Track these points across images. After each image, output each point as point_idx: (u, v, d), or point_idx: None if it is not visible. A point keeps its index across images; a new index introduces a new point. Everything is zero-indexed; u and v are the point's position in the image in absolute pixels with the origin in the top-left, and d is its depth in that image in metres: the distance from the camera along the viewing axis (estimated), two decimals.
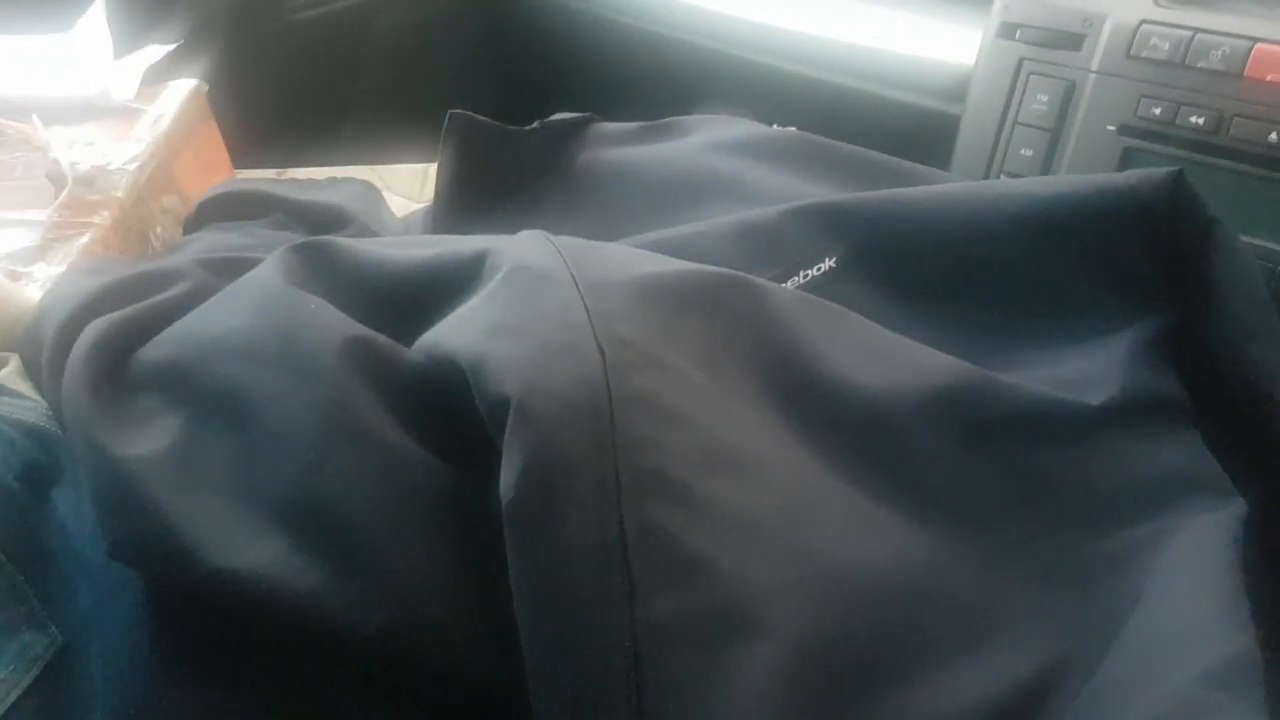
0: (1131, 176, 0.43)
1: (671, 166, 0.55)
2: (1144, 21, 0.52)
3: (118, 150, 0.58)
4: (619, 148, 0.58)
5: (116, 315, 0.39)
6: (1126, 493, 0.38)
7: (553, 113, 0.61)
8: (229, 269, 0.43)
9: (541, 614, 0.29)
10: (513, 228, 0.42)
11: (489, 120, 0.55)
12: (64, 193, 0.54)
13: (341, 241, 0.40)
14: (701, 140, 0.57)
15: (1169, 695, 0.30)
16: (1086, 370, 0.41)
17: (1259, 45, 0.49)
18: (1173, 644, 0.32)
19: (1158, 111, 0.51)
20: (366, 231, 0.54)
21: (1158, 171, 0.42)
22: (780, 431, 0.36)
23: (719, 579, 0.30)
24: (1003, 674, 0.33)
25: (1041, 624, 0.35)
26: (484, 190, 0.56)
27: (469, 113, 0.55)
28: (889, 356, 0.40)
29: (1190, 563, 0.35)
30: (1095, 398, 0.40)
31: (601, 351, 0.32)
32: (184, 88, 0.65)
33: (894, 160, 0.54)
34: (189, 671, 0.32)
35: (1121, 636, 0.34)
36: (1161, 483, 0.38)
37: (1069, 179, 0.47)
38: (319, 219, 0.54)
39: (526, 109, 0.61)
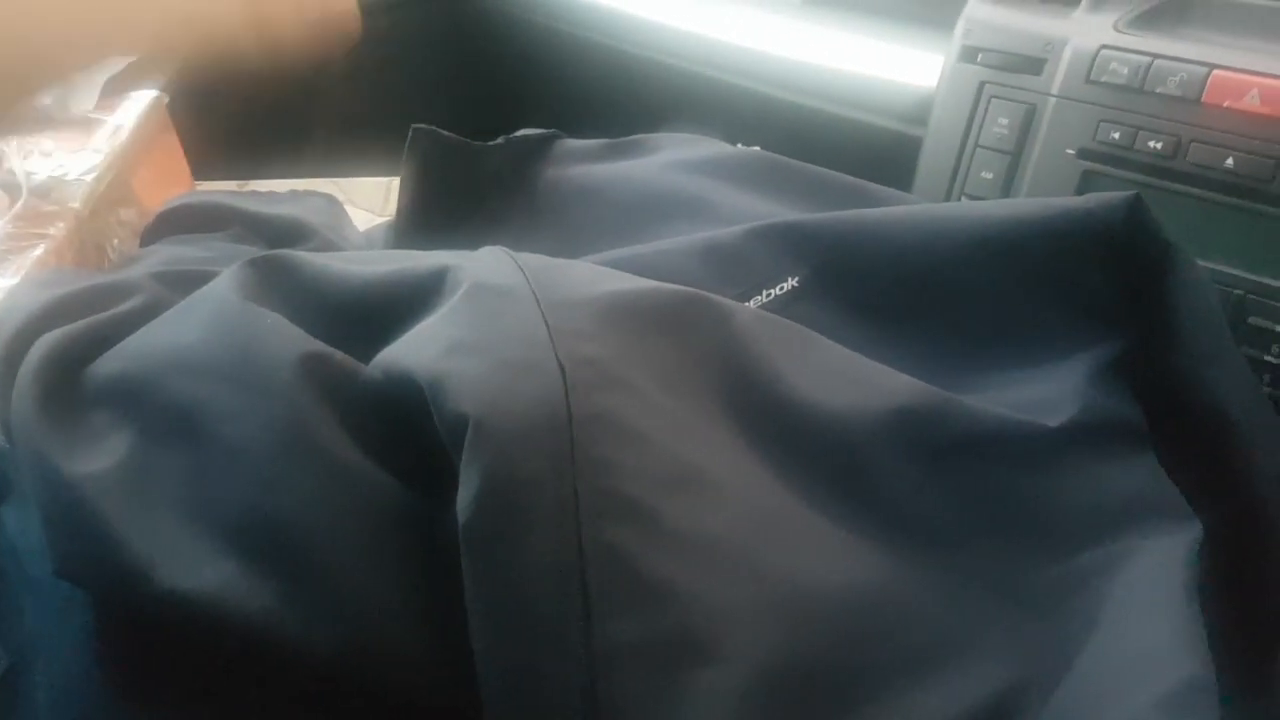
0: (1090, 200, 0.43)
1: (635, 184, 0.55)
2: (1104, 47, 0.53)
3: (75, 161, 0.57)
4: (583, 165, 0.58)
5: (68, 329, 0.38)
6: (1084, 515, 0.38)
7: (518, 129, 0.61)
8: (185, 283, 0.43)
9: (497, 636, 0.28)
10: (475, 243, 0.41)
11: (453, 135, 0.55)
12: (19, 203, 0.54)
13: (299, 256, 0.40)
14: (666, 159, 0.57)
15: (1124, 719, 0.30)
16: (1045, 392, 0.41)
17: (1216, 72, 0.49)
18: (1129, 668, 0.32)
19: (1116, 136, 0.52)
20: (328, 245, 0.53)
21: (1116, 195, 0.42)
22: (742, 453, 0.36)
23: (678, 602, 0.30)
24: (962, 696, 0.33)
25: (1001, 646, 0.35)
26: (447, 206, 0.55)
27: (432, 127, 0.54)
28: (850, 377, 0.40)
29: (1147, 587, 0.35)
30: (1053, 420, 0.40)
31: (562, 370, 0.32)
32: (144, 99, 0.64)
33: (857, 181, 0.55)
34: (137, 695, 0.31)
35: (1078, 660, 0.34)
36: (1119, 505, 0.38)
37: (1029, 201, 0.47)
38: (279, 232, 0.53)
39: (491, 125, 0.61)
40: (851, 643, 0.33)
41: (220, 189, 0.77)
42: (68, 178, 0.56)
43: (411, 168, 0.55)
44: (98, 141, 0.60)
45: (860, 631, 0.33)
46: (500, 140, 0.57)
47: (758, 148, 0.71)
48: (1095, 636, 0.34)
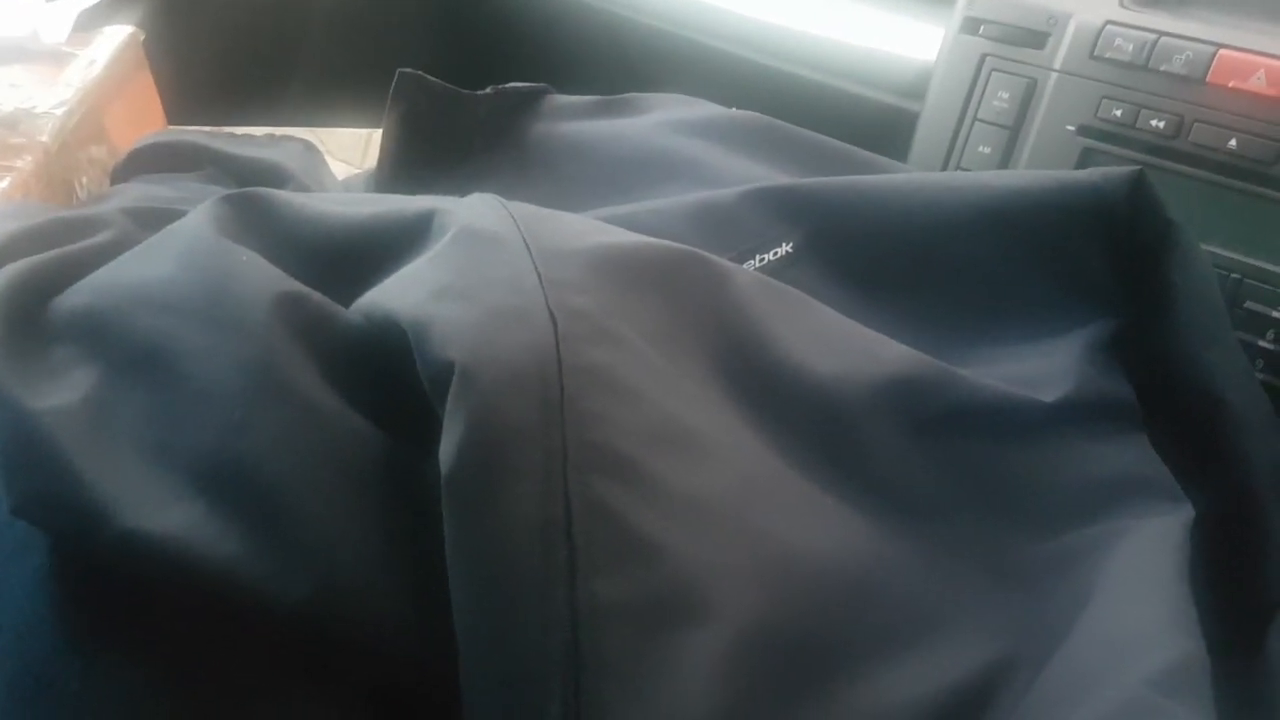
0: (1094, 174, 0.42)
1: (628, 143, 0.54)
2: (1109, 22, 0.52)
3: (45, 94, 0.55)
4: (574, 121, 0.56)
5: (33, 260, 0.36)
6: (1076, 492, 0.38)
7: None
8: (157, 220, 0.41)
9: (477, 590, 0.27)
10: (460, 193, 0.40)
11: (440, 82, 0.53)
12: None
13: (279, 194, 0.38)
14: (660, 118, 0.56)
15: (1116, 697, 0.30)
16: (1040, 367, 0.41)
17: (1222, 51, 0.48)
18: (1120, 646, 0.32)
19: (1118, 113, 0.51)
20: (304, 191, 0.52)
21: (1119, 170, 0.42)
22: (733, 414, 0.35)
23: (664, 560, 0.29)
24: (948, 670, 0.32)
25: (988, 621, 0.35)
26: (431, 155, 0.54)
27: (419, 72, 0.52)
28: (846, 343, 0.39)
29: (1139, 566, 0.35)
30: (1048, 395, 0.39)
31: (553, 320, 0.31)
32: (119, 34, 0.63)
33: (853, 148, 0.53)
34: (95, 641, 0.29)
35: (1069, 637, 0.33)
36: (1111, 484, 0.38)
37: (1031, 173, 0.46)
38: (254, 175, 0.52)
39: (475, 82, 0.60)
40: (838, 610, 0.32)
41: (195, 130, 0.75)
42: (36, 110, 0.54)
43: (396, 113, 0.53)
44: (69, 75, 0.58)
45: (847, 599, 0.33)
46: (489, 90, 0.55)
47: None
48: (1086, 614, 0.34)
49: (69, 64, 0.59)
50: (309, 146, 0.58)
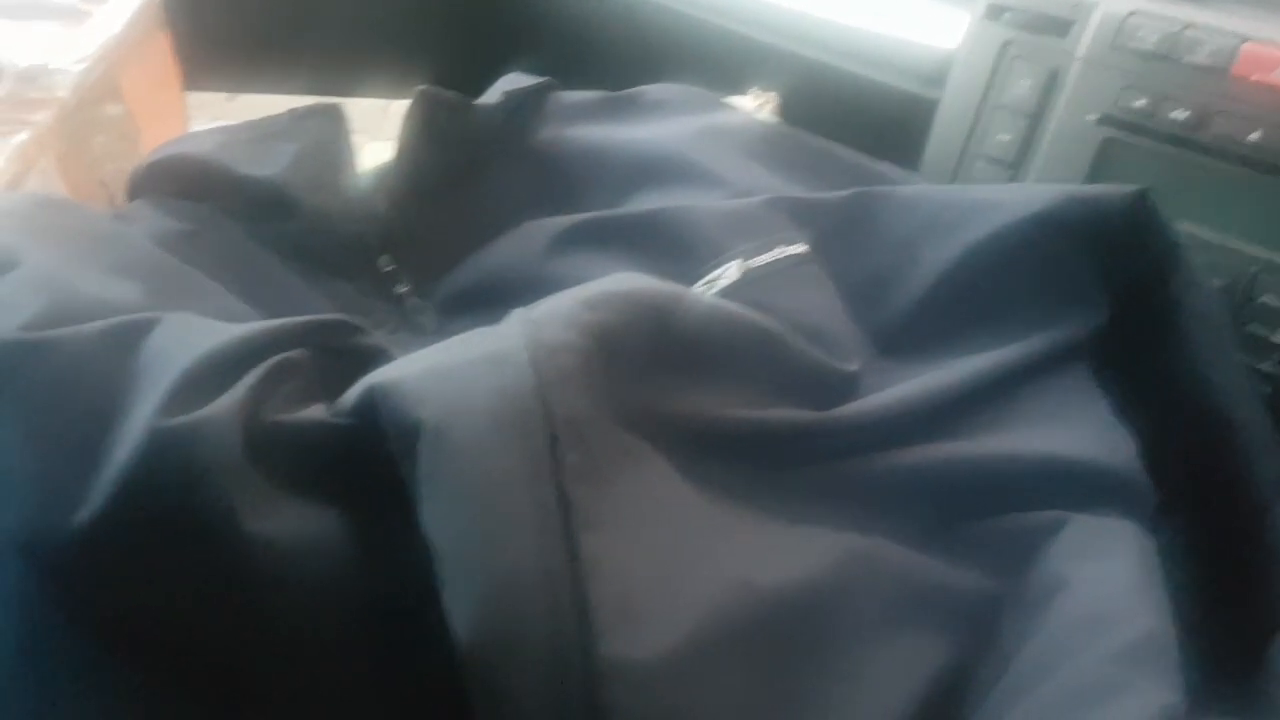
0: (1098, 190, 0.42)
1: (637, 147, 0.53)
2: (1133, 12, 0.51)
3: (63, 50, 0.55)
4: (583, 125, 0.55)
5: None
6: (1040, 475, 0.38)
7: (515, 62, 0.59)
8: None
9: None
10: (478, 210, 0.40)
11: (455, 94, 0.52)
12: (2, 89, 0.52)
13: None
14: (669, 123, 0.55)
15: (1080, 673, 0.30)
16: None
17: (1247, 44, 0.48)
18: (1088, 625, 0.32)
19: (1140, 104, 0.51)
20: (313, 214, 0.50)
21: (1122, 189, 0.41)
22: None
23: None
24: (924, 659, 0.33)
25: (961, 607, 0.35)
26: (447, 168, 0.53)
27: (436, 88, 0.52)
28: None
29: (1106, 549, 0.35)
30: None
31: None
32: None
33: (863, 160, 0.53)
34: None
35: (1040, 620, 0.33)
36: (1071, 466, 0.37)
37: (1029, 188, 0.46)
38: (259, 203, 0.49)
39: (491, 53, 0.59)
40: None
41: (209, 99, 0.75)
42: (54, 66, 0.54)
43: (412, 126, 0.52)
44: (89, 32, 0.57)
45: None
46: (500, 96, 0.55)
47: (773, 93, 0.70)
48: (1057, 598, 0.34)
49: (87, 21, 0.58)
50: (331, 121, 0.53)
